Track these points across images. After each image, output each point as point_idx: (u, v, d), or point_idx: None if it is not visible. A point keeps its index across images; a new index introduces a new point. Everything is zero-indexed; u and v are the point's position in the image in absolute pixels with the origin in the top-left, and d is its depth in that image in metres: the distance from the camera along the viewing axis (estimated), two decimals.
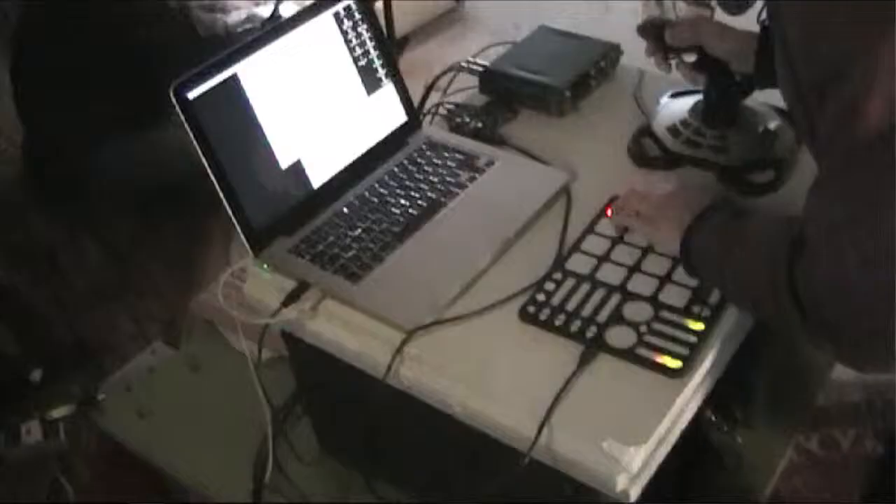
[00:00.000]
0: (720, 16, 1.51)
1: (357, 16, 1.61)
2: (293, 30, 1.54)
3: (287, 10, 3.12)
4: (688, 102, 1.65)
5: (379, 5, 3.29)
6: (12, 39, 3.27)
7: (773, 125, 1.58)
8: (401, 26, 3.89)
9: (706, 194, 1.36)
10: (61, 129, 3.12)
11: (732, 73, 1.54)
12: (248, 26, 3.19)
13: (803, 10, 1.01)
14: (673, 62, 1.62)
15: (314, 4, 1.59)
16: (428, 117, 1.79)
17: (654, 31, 1.59)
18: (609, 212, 1.46)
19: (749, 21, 1.43)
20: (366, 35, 1.63)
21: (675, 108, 1.66)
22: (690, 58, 1.58)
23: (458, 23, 4.31)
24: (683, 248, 1.30)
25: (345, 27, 1.59)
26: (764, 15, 1.32)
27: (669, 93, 1.71)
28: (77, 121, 3.08)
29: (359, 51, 1.62)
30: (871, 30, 0.92)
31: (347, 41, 1.60)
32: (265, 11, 3.20)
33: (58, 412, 2.24)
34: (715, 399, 1.34)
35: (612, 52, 1.84)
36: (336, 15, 1.59)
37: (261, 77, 1.48)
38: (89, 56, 3.03)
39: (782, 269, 1.07)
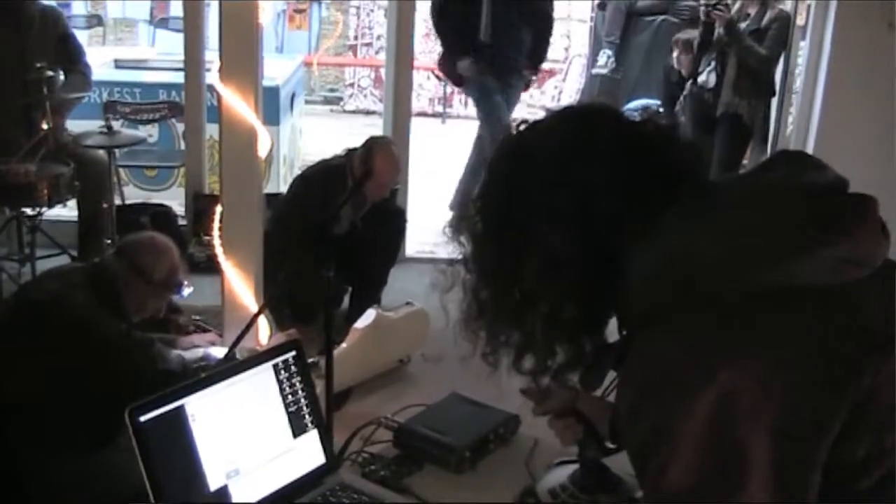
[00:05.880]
0: None
1: (293, 369, 1.90)
2: (238, 374, 1.82)
3: (240, 353, 3.41)
4: (569, 470, 1.91)
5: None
6: None
7: (639, 494, 1.83)
8: (346, 379, 4.17)
9: None
10: (15, 446, 3.26)
11: (600, 435, 1.80)
12: (202, 363, 3.47)
13: (624, 399, 1.32)
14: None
15: (258, 355, 1.89)
16: (348, 461, 2.03)
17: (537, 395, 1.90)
18: None
19: None
20: (298, 386, 1.91)
21: (558, 473, 1.92)
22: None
23: (400, 381, 4.58)
24: None
25: (281, 377, 1.88)
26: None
27: (557, 461, 1.98)
28: (32, 442, 3.24)
29: (290, 398, 1.89)
30: (675, 412, 1.20)
31: (282, 389, 1.88)
32: (219, 353, 3.50)
33: None
34: None
35: (511, 422, 2.13)
36: (275, 366, 1.87)
37: (203, 410, 1.73)
38: (52, 383, 3.26)
39: None
